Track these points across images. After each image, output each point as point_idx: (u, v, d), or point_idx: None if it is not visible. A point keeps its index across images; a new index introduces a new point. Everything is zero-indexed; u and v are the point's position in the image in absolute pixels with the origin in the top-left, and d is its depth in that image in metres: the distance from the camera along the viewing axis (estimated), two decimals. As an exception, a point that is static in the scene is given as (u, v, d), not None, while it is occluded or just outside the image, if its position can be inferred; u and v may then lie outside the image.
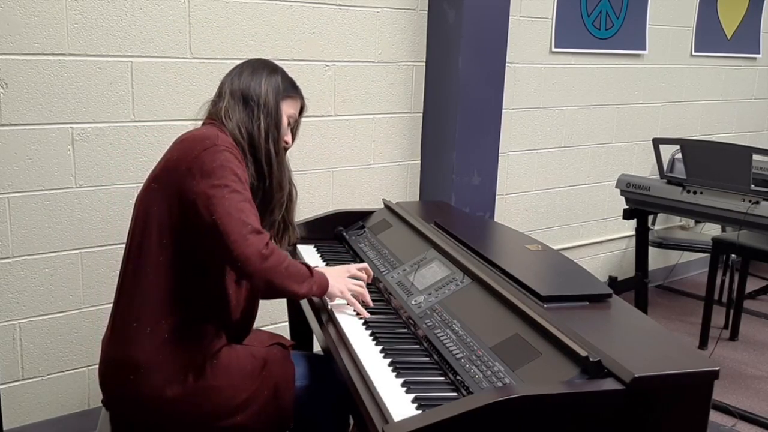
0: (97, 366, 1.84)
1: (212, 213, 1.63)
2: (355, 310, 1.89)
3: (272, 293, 1.77)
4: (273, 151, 1.81)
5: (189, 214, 1.68)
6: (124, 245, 1.82)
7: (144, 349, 1.69)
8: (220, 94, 1.86)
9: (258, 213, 1.73)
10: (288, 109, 1.88)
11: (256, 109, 1.81)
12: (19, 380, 2.51)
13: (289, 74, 1.94)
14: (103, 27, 2.46)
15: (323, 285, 1.84)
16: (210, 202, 1.63)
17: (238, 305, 1.85)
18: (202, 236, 1.67)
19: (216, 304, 1.78)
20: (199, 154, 1.68)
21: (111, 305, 1.81)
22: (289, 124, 1.89)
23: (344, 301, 1.91)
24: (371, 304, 1.93)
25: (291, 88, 1.90)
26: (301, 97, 1.94)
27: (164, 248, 1.71)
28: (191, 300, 1.73)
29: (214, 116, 1.83)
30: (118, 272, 1.82)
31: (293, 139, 1.94)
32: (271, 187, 1.82)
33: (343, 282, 1.91)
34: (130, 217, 1.82)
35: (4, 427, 2.39)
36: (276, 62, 1.93)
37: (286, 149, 1.89)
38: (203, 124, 1.86)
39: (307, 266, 1.82)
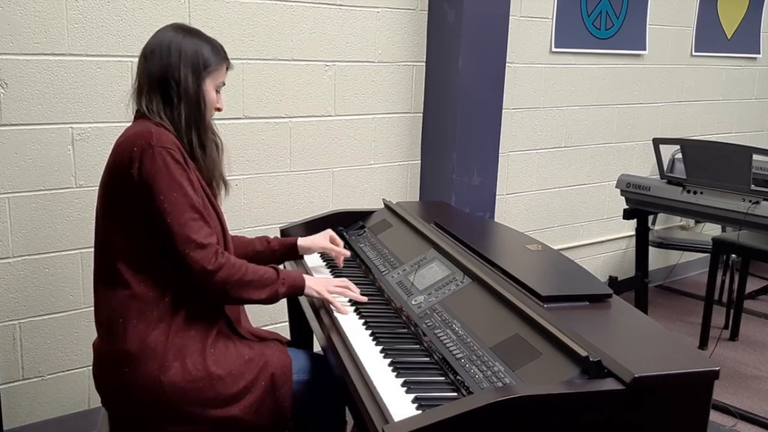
0: (97, 366, 1.84)
1: (159, 226, 1.67)
2: (355, 308, 1.89)
3: (232, 302, 1.83)
4: (195, 139, 1.78)
5: (142, 214, 1.69)
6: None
7: (134, 340, 1.70)
8: (138, 80, 1.80)
9: (204, 209, 1.74)
10: (214, 82, 1.82)
11: (175, 97, 1.75)
12: (19, 380, 2.51)
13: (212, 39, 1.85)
14: (103, 27, 2.46)
15: (296, 285, 1.87)
16: (157, 217, 1.67)
17: None
18: (158, 236, 1.70)
19: (190, 291, 1.77)
20: (140, 160, 1.67)
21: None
22: (217, 91, 1.84)
23: (342, 299, 1.92)
24: (364, 299, 1.94)
25: (213, 59, 1.80)
26: (225, 59, 1.84)
27: (132, 249, 1.72)
28: (169, 291, 1.73)
29: (140, 110, 1.79)
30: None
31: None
32: (204, 165, 1.81)
33: (322, 283, 1.93)
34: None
35: (4, 427, 2.39)
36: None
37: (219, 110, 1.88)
38: (134, 120, 1.82)
39: (275, 268, 1.84)
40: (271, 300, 1.83)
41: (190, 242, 1.67)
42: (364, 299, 1.94)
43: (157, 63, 1.76)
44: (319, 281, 1.94)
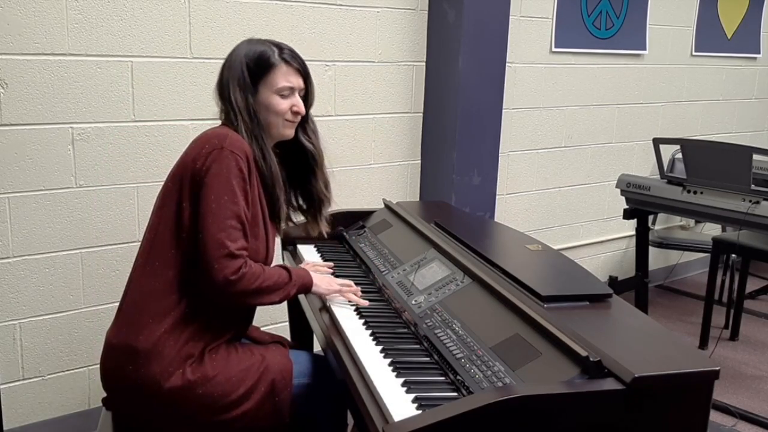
0: (97, 366, 1.85)
1: (200, 223, 1.69)
2: (355, 308, 1.90)
3: (247, 307, 1.86)
4: (258, 152, 1.80)
5: (192, 209, 1.73)
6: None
7: (144, 338, 1.71)
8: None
9: (250, 224, 1.75)
10: (271, 89, 1.82)
11: (232, 112, 1.81)
12: (19, 380, 2.51)
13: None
14: (103, 27, 2.46)
15: (306, 284, 1.89)
16: (199, 214, 1.69)
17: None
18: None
19: (214, 302, 1.78)
20: (206, 157, 1.72)
21: (112, 305, 1.82)
22: (283, 96, 1.83)
23: (343, 300, 1.93)
24: (364, 303, 1.94)
25: (262, 68, 1.81)
26: (283, 60, 1.83)
27: (173, 245, 1.74)
28: (196, 296, 1.75)
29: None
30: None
31: (305, 104, 1.89)
32: (267, 176, 1.82)
33: (327, 280, 1.95)
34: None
35: (4, 427, 2.39)
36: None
37: (297, 115, 1.87)
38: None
39: (287, 269, 1.85)
40: (283, 300, 1.85)
41: (223, 248, 1.67)
42: (365, 303, 1.94)
43: (217, 83, 1.85)
44: (324, 278, 1.96)
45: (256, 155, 1.79)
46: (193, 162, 1.73)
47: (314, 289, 1.91)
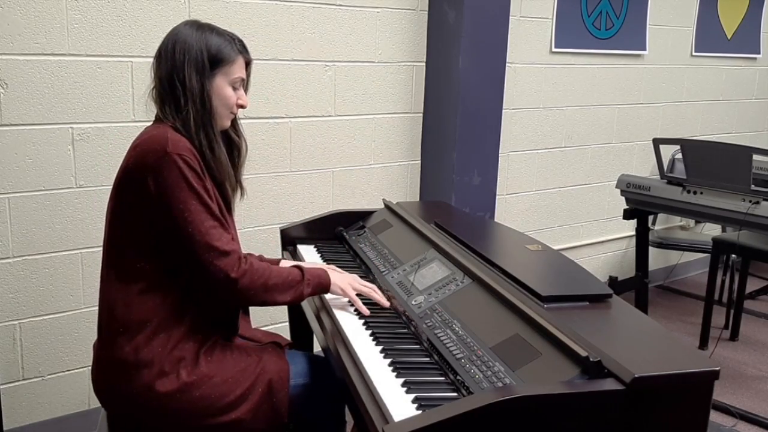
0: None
1: (179, 237, 1.64)
2: (355, 308, 1.90)
3: (256, 305, 1.81)
4: (205, 142, 1.72)
5: (157, 224, 1.66)
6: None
7: (132, 349, 1.68)
8: (152, 82, 1.76)
9: (219, 211, 1.71)
10: (227, 79, 1.75)
11: (182, 98, 1.70)
12: (19, 380, 2.51)
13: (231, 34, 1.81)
14: (103, 27, 2.46)
15: (322, 284, 1.86)
16: (177, 226, 1.64)
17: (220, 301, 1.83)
18: (175, 246, 1.67)
19: (199, 301, 1.76)
20: (154, 169, 1.63)
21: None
22: (235, 88, 1.78)
23: (344, 299, 1.92)
24: (386, 303, 1.93)
25: (223, 55, 1.74)
26: (239, 53, 1.77)
27: (136, 256, 1.70)
28: (174, 300, 1.72)
29: (157, 113, 1.76)
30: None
31: (246, 92, 1.84)
32: (214, 168, 1.75)
33: (347, 280, 1.92)
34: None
35: (4, 427, 2.39)
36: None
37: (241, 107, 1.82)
38: (153, 122, 1.79)
39: (300, 268, 1.83)
40: (297, 301, 1.82)
41: (213, 250, 1.65)
42: (387, 304, 1.93)
43: (164, 64, 1.72)
44: (344, 278, 1.93)
45: (203, 146, 1.71)
46: (142, 174, 1.63)
47: (332, 289, 1.88)
